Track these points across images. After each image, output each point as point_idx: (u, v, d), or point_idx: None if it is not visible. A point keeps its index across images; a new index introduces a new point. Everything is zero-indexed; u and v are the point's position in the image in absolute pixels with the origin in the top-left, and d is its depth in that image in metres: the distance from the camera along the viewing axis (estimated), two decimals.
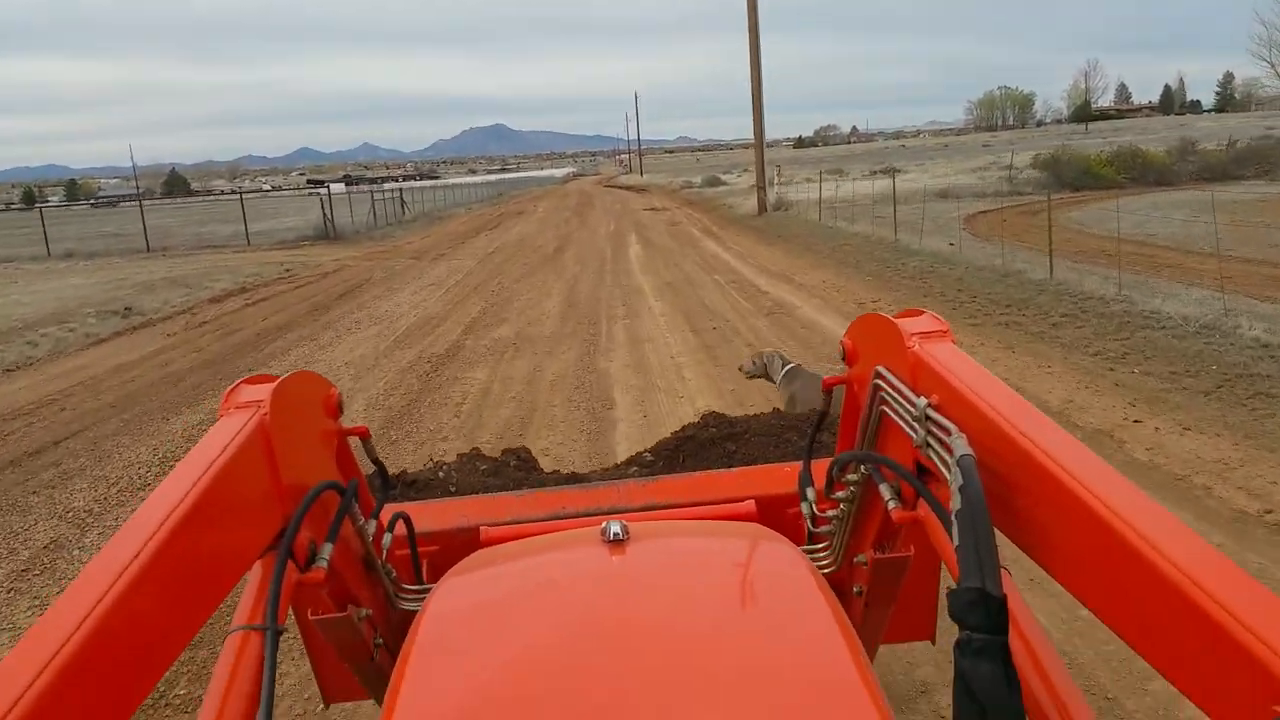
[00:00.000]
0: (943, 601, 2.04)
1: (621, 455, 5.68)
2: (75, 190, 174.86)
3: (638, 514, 1.95)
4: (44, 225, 32.54)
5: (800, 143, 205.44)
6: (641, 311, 13.93)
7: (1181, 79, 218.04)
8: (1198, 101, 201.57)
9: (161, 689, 4.13)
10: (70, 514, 6.59)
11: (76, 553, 5.88)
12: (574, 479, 3.15)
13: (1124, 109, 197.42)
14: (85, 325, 14.95)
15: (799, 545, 1.71)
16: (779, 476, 2.38)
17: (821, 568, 1.94)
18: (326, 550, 1.56)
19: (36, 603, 5.21)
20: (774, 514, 2.11)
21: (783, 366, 5.75)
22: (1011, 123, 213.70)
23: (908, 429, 1.50)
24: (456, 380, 10.00)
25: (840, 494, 1.83)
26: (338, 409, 1.86)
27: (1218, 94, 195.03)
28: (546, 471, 3.44)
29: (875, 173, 53.10)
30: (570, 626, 1.30)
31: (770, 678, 1.13)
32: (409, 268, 22.40)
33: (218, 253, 29.24)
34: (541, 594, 1.45)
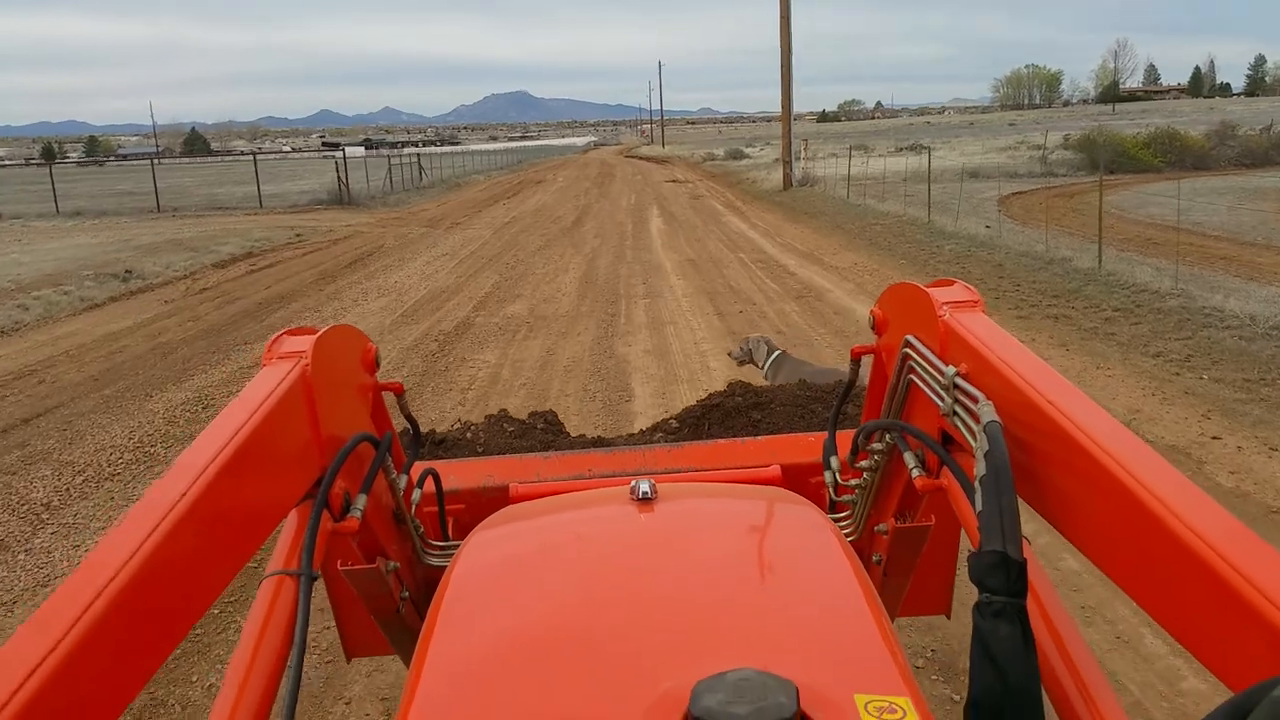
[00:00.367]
0: (959, 575, 2.10)
1: None
2: (95, 147, 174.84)
3: (664, 477, 1.80)
4: (53, 182, 31.96)
5: (824, 117, 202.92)
6: (663, 291, 13.19)
7: (1212, 61, 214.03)
8: (1227, 84, 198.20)
9: None
10: (25, 507, 5.96)
11: (22, 557, 5.24)
12: (600, 443, 3.16)
13: (1152, 90, 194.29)
14: (81, 288, 14.34)
15: None
16: (803, 445, 2.37)
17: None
18: (361, 501, 1.58)
19: None
20: (797, 482, 2.09)
21: (769, 353, 5.68)
22: (1038, 102, 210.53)
23: (935, 397, 1.49)
24: (464, 362, 9.32)
25: (864, 463, 1.83)
26: (374, 363, 1.87)
27: (1248, 77, 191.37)
28: (573, 435, 3.42)
29: (902, 149, 52.00)
30: (600, 582, 1.30)
31: (797, 637, 1.13)
32: (422, 236, 21.71)
33: (229, 215, 28.60)
34: (572, 549, 1.45)
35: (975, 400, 1.33)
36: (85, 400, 8.41)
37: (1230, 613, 0.89)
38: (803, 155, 32.39)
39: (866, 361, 1.98)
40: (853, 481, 1.92)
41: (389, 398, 1.92)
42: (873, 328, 1.92)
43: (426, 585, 1.94)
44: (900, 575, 1.97)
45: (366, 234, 22.25)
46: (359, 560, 1.73)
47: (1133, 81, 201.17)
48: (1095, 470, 1.11)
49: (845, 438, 1.96)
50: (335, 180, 31.82)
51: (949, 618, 2.55)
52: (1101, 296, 10.79)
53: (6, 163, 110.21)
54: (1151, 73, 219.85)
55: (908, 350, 1.65)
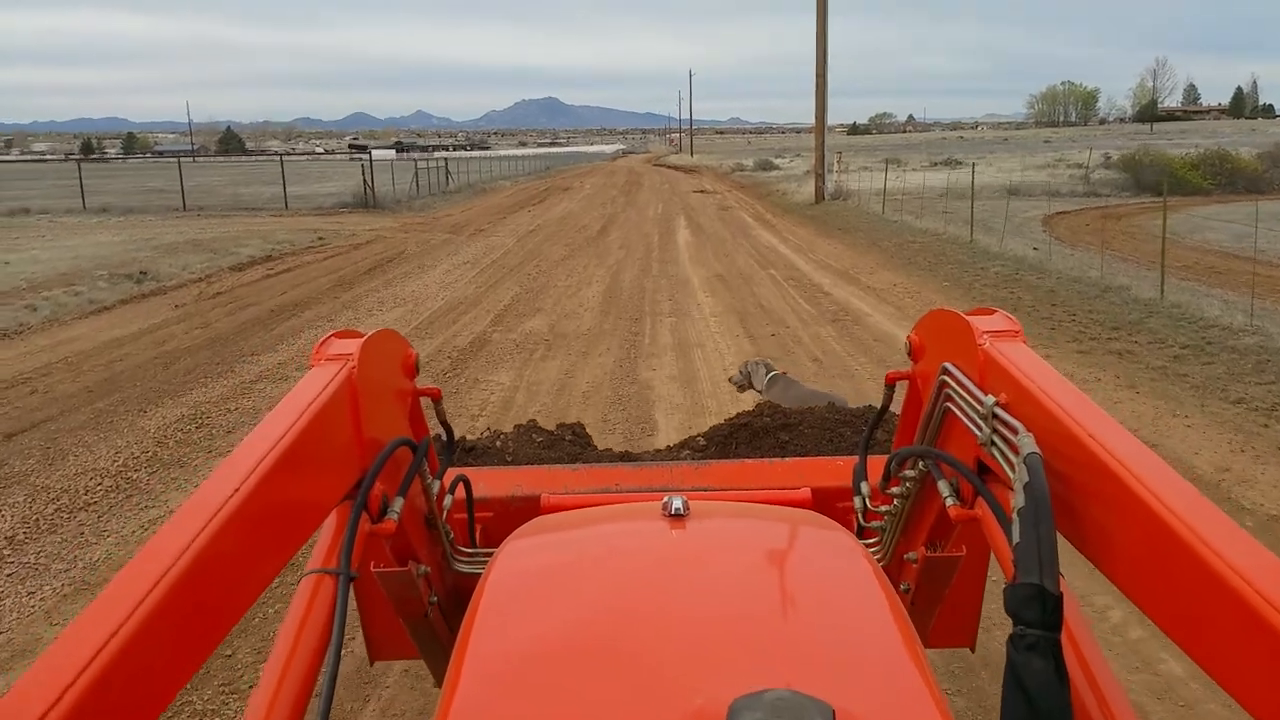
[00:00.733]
0: (985, 607, 2.19)
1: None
2: (132, 144, 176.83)
3: (691, 495, 1.68)
4: (80, 178, 31.79)
5: (854, 129, 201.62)
6: (690, 309, 12.54)
7: (1255, 81, 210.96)
8: (1270, 105, 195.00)
9: None
10: None
11: None
12: (627, 457, 3.17)
13: (1191, 110, 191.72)
14: (93, 290, 13.89)
15: None
16: (832, 469, 2.36)
17: None
18: (398, 504, 1.60)
19: None
20: (826, 506, 2.01)
21: (766, 374, 5.65)
22: (1073, 119, 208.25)
23: (973, 426, 1.48)
24: (476, 384, 8.71)
25: (896, 489, 1.82)
26: (415, 369, 1.90)
27: None
28: (600, 449, 3.41)
29: (935, 164, 51.11)
30: (635, 595, 1.28)
31: (833, 661, 1.11)
32: (445, 243, 21.19)
33: (253, 215, 28.27)
34: (606, 561, 1.45)
35: (1015, 431, 1.32)
36: (76, 414, 7.87)
37: (1270, 651, 0.87)
38: (836, 168, 31.62)
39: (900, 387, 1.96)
40: (883, 508, 1.92)
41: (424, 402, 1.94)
42: (909, 354, 1.90)
43: (455, 591, 1.96)
44: (928, 605, 1.96)
45: (389, 239, 21.77)
46: (391, 563, 1.74)
47: (1171, 101, 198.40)
48: (1135, 506, 1.10)
49: (875, 463, 1.98)
50: (361, 183, 31.46)
51: (973, 650, 2.49)
52: (1167, 331, 10.02)
53: (47, 157, 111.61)
54: (1191, 92, 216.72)
55: (945, 378, 1.63)
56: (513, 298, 13.59)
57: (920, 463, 1.75)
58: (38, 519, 5.70)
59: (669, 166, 73.98)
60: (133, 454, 6.84)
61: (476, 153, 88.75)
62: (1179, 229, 22.52)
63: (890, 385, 1.95)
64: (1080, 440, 1.23)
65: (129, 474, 6.43)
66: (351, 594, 2.27)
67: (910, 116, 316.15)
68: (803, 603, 1.28)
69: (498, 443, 3.22)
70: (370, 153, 41.88)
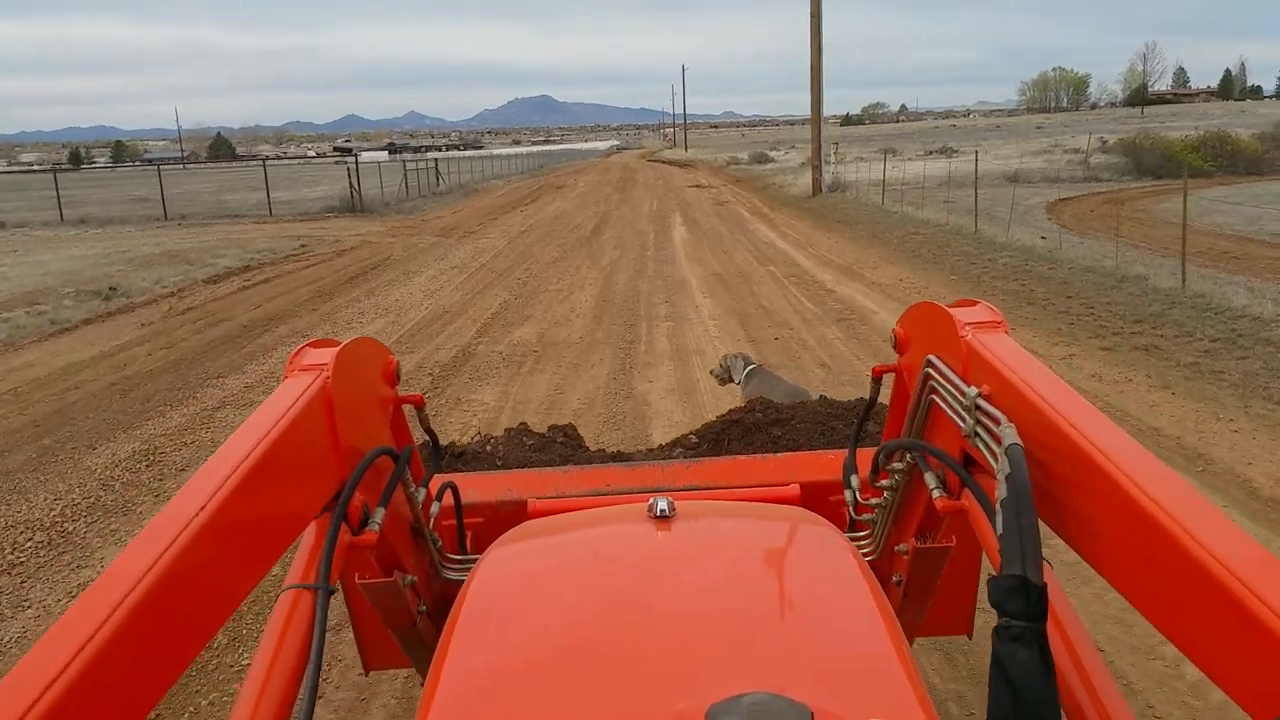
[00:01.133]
0: (981, 595, 2.02)
1: None
2: (122, 152, 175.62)
3: (682, 494, 1.75)
4: (57, 190, 31.08)
5: (848, 120, 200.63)
6: (688, 312, 11.88)
7: (1243, 63, 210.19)
8: (1259, 87, 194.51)
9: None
10: None
11: None
12: (619, 458, 3.13)
13: (1181, 93, 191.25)
14: (58, 309, 13.20)
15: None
16: (823, 463, 2.35)
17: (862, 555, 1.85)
18: (379, 514, 1.57)
19: None
20: (817, 500, 2.05)
21: (744, 367, 5.66)
22: (1065, 105, 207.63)
23: (956, 418, 1.48)
24: (457, 404, 8.05)
25: (885, 482, 1.83)
26: (395, 376, 1.86)
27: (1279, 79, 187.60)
28: (592, 450, 3.37)
29: (931, 153, 50.53)
30: (616, 600, 1.28)
31: (813, 660, 1.11)
32: (432, 246, 20.51)
33: (236, 223, 27.57)
34: (588, 566, 1.44)
35: (997, 422, 1.31)
36: (17, 454, 7.21)
37: (1253, 639, 0.88)
38: (833, 159, 30.93)
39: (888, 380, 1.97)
40: (873, 501, 1.93)
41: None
42: (895, 346, 1.92)
43: (444, 599, 1.91)
44: (920, 596, 1.96)
45: (375, 244, 21.09)
46: (376, 573, 1.72)
47: (1161, 84, 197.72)
48: (1117, 494, 1.10)
49: (865, 456, 1.95)
50: (348, 187, 30.75)
51: (970, 638, 2.48)
52: (1193, 323, 9.37)
53: (34, 168, 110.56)
54: (1180, 75, 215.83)
55: (929, 370, 1.64)
56: (501, 304, 12.92)
57: (907, 455, 1.74)
58: None
59: (663, 162, 73.25)
60: (73, 500, 6.18)
61: (469, 152, 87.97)
62: (1187, 212, 21.89)
63: (877, 379, 1.95)
64: (1062, 430, 1.23)
65: (65, 525, 5.77)
66: (344, 604, 2.19)
67: (903, 106, 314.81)
68: (785, 602, 1.27)
69: (488, 447, 3.18)
70: (356, 155, 41.12)
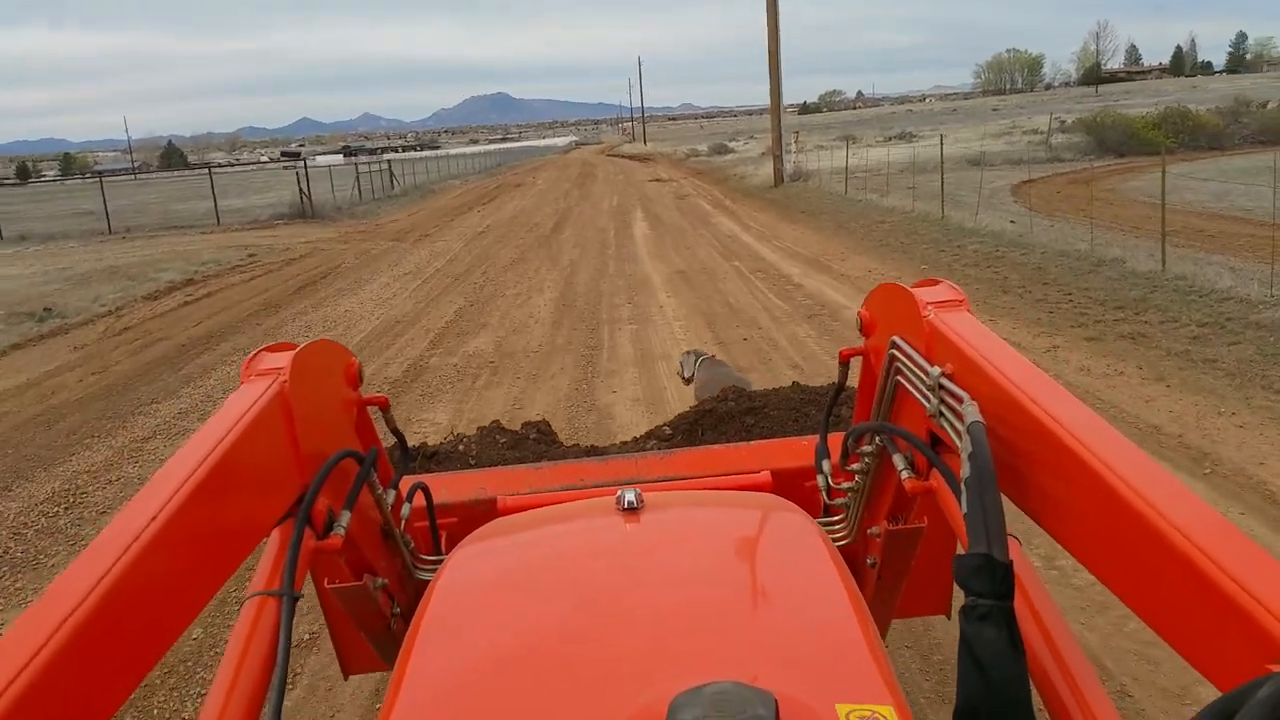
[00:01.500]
0: None
1: None
2: (71, 164, 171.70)
3: (655, 485, 1.84)
4: None
5: (805, 108, 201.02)
6: (652, 313, 11.39)
7: (1193, 39, 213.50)
8: (1209, 63, 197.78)
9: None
10: None
11: None
12: (593, 452, 3.11)
13: (1134, 70, 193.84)
14: None
15: (815, 518, 1.64)
16: (795, 449, 2.37)
17: (836, 540, 1.93)
18: (344, 518, 1.55)
19: None
20: (791, 487, 2.03)
21: (696, 359, 5.59)
22: (1020, 86, 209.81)
23: (921, 398, 1.48)
24: (407, 425, 7.49)
25: (855, 466, 1.83)
26: (358, 378, 1.84)
27: (1229, 54, 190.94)
28: (566, 445, 3.33)
29: (890, 139, 50.42)
30: (582, 595, 1.27)
31: (779, 647, 1.10)
32: (386, 252, 19.84)
33: (182, 234, 26.61)
34: (555, 563, 1.43)
35: (960, 400, 1.31)
36: None
37: (1214, 609, 0.88)
38: (794, 148, 30.56)
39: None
40: (845, 485, 1.92)
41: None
42: (860, 329, 1.90)
43: (418, 601, 1.75)
44: (895, 577, 1.95)
45: (326, 251, 20.36)
46: (347, 577, 1.71)
47: (1114, 62, 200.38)
48: (1079, 468, 1.10)
49: (837, 441, 1.95)
50: (298, 193, 29.88)
51: (949, 618, 2.41)
52: (1177, 308, 9.02)
53: None
54: (1133, 53, 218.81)
55: (894, 352, 1.63)
56: (456, 312, 12.34)
57: (876, 438, 1.73)
58: None
59: (623, 156, 72.66)
60: None
61: (426, 153, 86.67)
62: (1154, 190, 21.69)
63: (844, 362, 1.95)
64: (1023, 406, 1.22)
65: None
66: (321, 607, 2.17)
67: (859, 93, 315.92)
68: (754, 589, 1.27)
69: (460, 446, 3.14)
70: (304, 160, 40.10)
